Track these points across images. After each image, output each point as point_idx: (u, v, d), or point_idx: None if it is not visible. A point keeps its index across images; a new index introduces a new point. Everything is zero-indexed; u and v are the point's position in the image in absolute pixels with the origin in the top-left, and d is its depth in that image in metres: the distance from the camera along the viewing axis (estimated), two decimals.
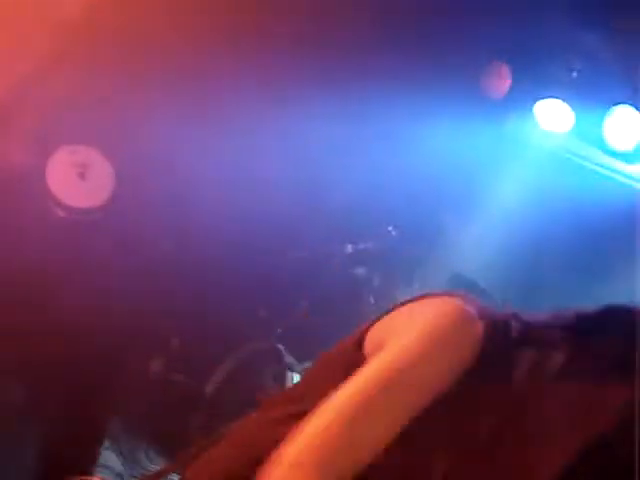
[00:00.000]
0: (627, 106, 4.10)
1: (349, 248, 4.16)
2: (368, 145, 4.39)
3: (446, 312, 1.13)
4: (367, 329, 1.25)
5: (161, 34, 4.21)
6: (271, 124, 4.16)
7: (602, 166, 4.30)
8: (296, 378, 3.78)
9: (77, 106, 4.60)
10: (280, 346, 3.93)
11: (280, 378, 3.80)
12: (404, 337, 1.11)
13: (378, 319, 1.25)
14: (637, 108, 4.08)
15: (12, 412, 3.36)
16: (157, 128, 4.39)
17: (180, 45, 4.24)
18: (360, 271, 4.11)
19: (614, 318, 1.13)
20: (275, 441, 1.05)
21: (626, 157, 4.24)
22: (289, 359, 3.91)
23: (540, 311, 1.34)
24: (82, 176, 4.87)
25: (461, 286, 4.09)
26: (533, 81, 4.43)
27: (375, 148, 4.42)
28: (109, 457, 3.47)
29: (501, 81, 4.44)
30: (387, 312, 1.25)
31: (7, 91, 4.61)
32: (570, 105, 4.34)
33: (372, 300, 4.11)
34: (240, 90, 4.26)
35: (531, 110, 4.46)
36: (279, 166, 4.17)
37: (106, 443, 3.40)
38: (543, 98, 4.39)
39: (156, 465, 3.41)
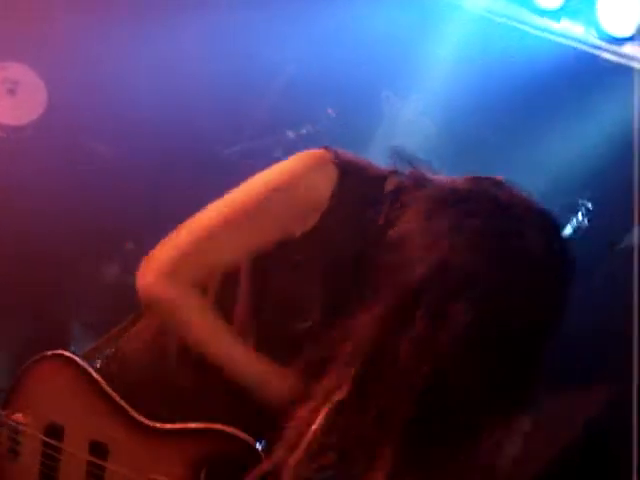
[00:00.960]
0: None
1: (290, 134, 4.27)
2: (296, 28, 4.43)
3: (303, 157, 1.33)
4: None
5: None
6: (190, 24, 4.23)
7: (530, 25, 4.40)
8: None
9: (5, 22, 4.58)
10: None
11: None
12: (266, 173, 1.30)
13: None
14: None
15: None
16: (84, 40, 4.45)
17: None
18: None
19: (477, 199, 1.26)
20: None
21: (553, 14, 4.34)
22: None
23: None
24: (12, 92, 4.86)
25: (401, 159, 4.20)
26: None
27: (301, 29, 4.46)
28: None
29: None
30: None
31: None
32: None
33: None
34: None
35: None
36: (206, 62, 4.24)
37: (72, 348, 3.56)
38: None
39: None
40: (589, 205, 3.69)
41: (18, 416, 1.53)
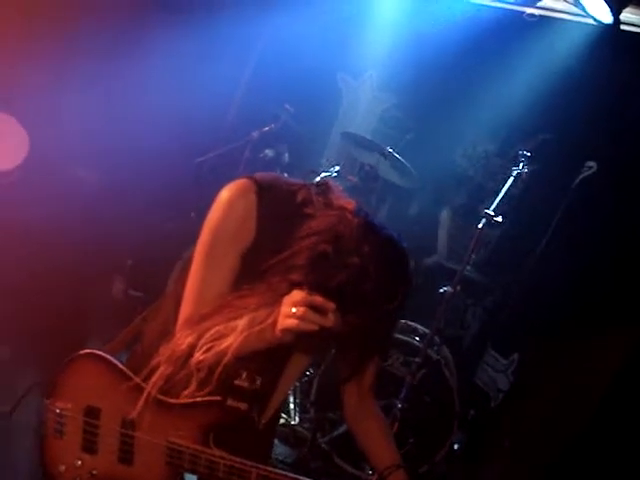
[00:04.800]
0: None
1: (255, 134, 4.80)
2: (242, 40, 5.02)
3: (228, 191, 1.90)
4: None
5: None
6: (145, 72, 4.85)
7: None
8: None
9: None
10: None
11: None
12: (208, 217, 1.89)
13: None
14: None
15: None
16: (58, 82, 5.01)
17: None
18: (268, 152, 4.78)
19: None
20: None
21: None
22: None
23: None
24: None
25: (351, 141, 4.73)
26: None
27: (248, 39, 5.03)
28: None
29: None
30: None
31: None
32: None
33: (286, 176, 4.79)
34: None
35: None
36: (164, 95, 4.84)
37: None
38: None
39: None
40: (527, 154, 4.15)
41: (61, 404, 2.05)
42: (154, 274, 4.86)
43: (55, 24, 5.00)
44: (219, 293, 1.90)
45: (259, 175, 1.96)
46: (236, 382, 1.89)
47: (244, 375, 1.90)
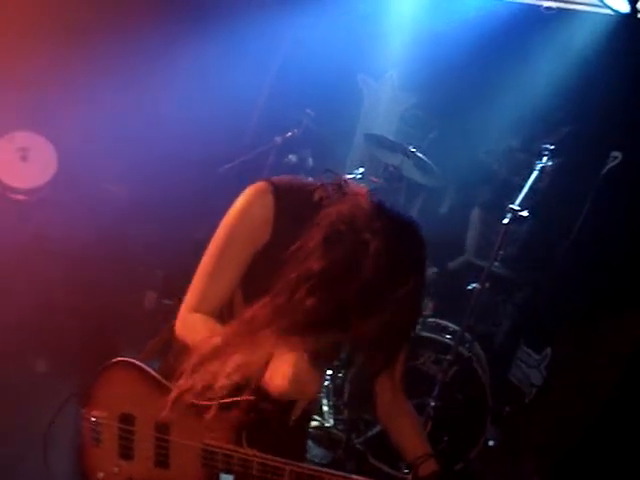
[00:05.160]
0: None
1: (278, 140, 4.86)
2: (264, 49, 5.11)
3: (246, 194, 1.96)
4: None
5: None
6: (169, 82, 4.98)
7: None
8: None
9: (7, 94, 5.28)
10: None
11: None
12: (225, 218, 1.96)
13: None
14: None
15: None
16: (84, 100, 5.15)
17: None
18: (292, 158, 4.83)
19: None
20: None
21: None
22: None
23: None
24: (25, 159, 5.57)
25: (374, 143, 4.77)
26: None
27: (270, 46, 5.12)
28: None
29: None
30: None
31: None
32: None
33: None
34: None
35: None
36: (188, 105, 4.94)
37: None
38: None
39: None
40: (551, 147, 4.15)
41: (96, 412, 2.11)
42: (185, 284, 4.95)
43: (81, 43, 5.14)
44: (224, 290, 2.01)
45: (276, 178, 2.01)
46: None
47: None
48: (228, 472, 2.00)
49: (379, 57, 5.48)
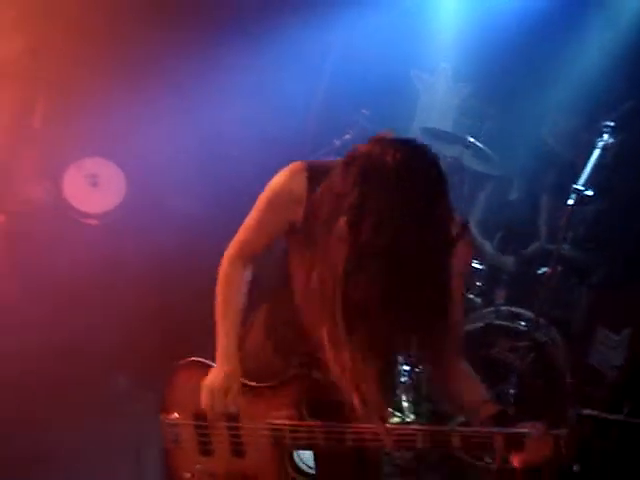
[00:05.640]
0: None
1: (337, 142, 4.94)
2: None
3: (282, 172, 2.09)
4: None
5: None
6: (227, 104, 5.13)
7: None
8: None
9: (76, 125, 5.55)
10: None
11: None
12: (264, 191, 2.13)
13: None
14: None
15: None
16: (148, 126, 5.35)
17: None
18: None
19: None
20: None
21: None
22: None
23: None
24: (95, 185, 5.82)
25: (431, 136, 4.80)
26: None
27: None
28: None
29: None
30: None
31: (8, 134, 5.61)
32: None
33: None
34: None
35: None
36: (246, 114, 5.09)
37: None
38: None
39: None
40: (611, 124, 4.09)
41: (173, 416, 2.26)
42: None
43: (144, 70, 5.37)
44: (262, 244, 2.21)
45: (311, 160, 2.12)
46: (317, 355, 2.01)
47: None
48: (296, 447, 2.11)
49: (430, 51, 5.51)
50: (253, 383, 2.17)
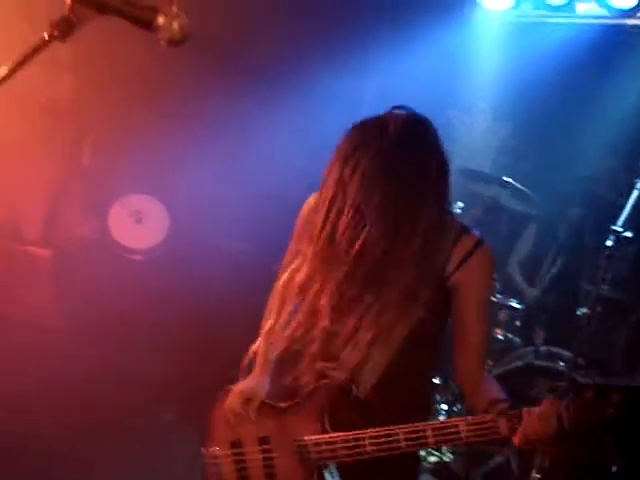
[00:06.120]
0: None
1: None
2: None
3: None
4: None
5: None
6: (273, 134, 5.38)
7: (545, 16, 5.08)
8: None
9: (120, 161, 5.73)
10: None
11: None
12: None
13: None
14: None
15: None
16: (190, 165, 5.51)
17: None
18: None
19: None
20: None
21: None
22: None
23: None
24: (139, 221, 5.99)
25: (468, 177, 4.86)
26: None
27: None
28: None
29: None
30: None
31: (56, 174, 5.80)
32: None
33: None
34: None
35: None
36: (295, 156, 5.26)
37: None
38: None
39: None
40: None
41: (214, 450, 2.34)
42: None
43: (185, 109, 5.54)
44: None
45: None
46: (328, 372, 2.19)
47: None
48: (320, 460, 2.18)
49: (469, 91, 5.60)
50: (276, 404, 2.26)
